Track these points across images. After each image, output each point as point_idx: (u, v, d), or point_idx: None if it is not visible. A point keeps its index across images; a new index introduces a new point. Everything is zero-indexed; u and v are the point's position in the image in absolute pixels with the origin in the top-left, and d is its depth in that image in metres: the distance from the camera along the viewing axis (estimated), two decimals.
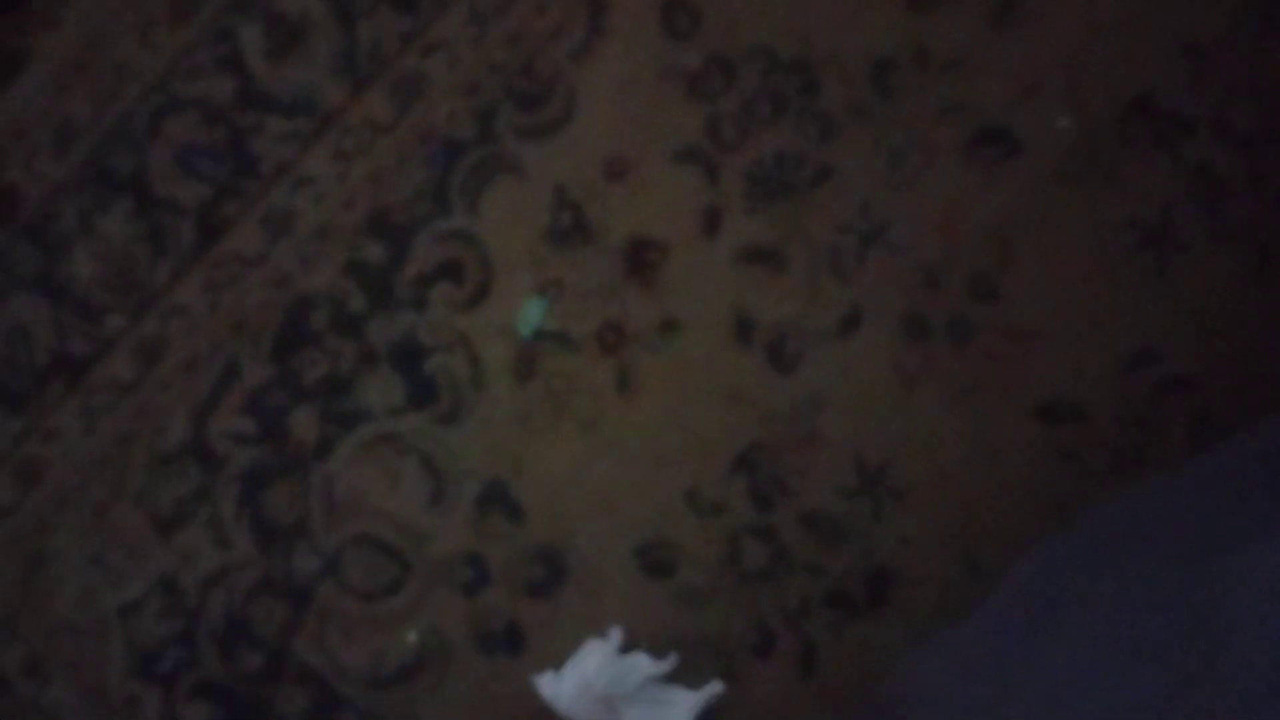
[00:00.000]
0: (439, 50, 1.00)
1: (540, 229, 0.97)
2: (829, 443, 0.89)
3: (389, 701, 0.96)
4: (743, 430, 0.91)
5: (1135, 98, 0.85)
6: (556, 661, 0.91)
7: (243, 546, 0.99)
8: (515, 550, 0.95)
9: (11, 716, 1.03)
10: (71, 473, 1.03)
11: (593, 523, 0.94)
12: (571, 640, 0.91)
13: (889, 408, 0.88)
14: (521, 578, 0.94)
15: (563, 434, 0.95)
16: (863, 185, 0.89)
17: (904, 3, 0.89)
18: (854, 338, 0.89)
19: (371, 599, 0.97)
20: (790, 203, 0.91)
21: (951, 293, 0.87)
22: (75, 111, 1.06)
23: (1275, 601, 0.42)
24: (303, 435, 0.98)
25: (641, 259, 0.94)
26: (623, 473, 0.93)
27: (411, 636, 0.96)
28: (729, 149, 0.93)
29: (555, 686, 0.88)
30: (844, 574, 0.88)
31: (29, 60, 1.10)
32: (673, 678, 0.90)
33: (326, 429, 0.98)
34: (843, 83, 0.90)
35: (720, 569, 0.90)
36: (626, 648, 0.90)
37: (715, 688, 0.88)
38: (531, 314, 0.97)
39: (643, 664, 0.88)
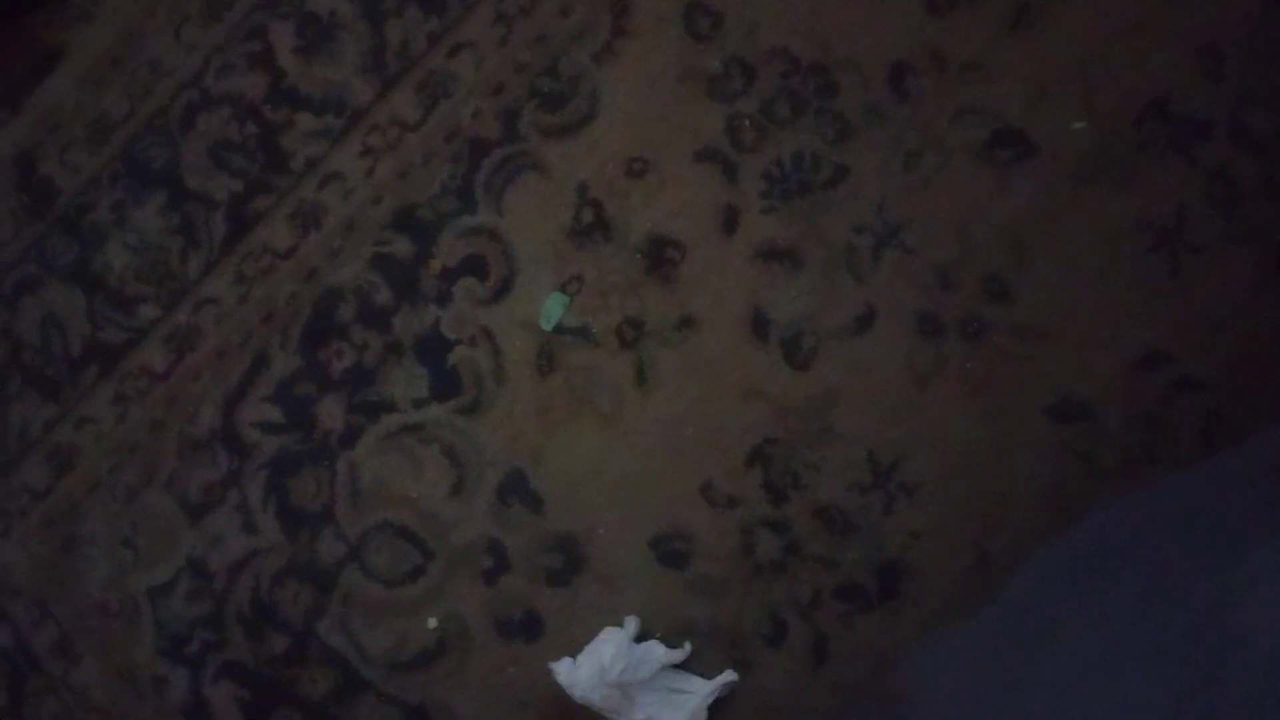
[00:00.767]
0: (465, 50, 1.02)
1: (562, 226, 0.98)
2: (842, 438, 0.90)
3: (410, 685, 0.98)
4: (758, 425, 0.92)
5: (1151, 101, 0.85)
6: (573, 649, 0.92)
7: (269, 532, 1.01)
8: (534, 539, 0.97)
9: (42, 695, 1.06)
10: (103, 458, 1.06)
11: (610, 513, 0.95)
12: (588, 628, 0.93)
13: (902, 405, 0.89)
14: (540, 566, 0.96)
15: (582, 426, 0.97)
16: (879, 186, 0.90)
17: (922, 6, 0.91)
18: (868, 336, 0.90)
19: (394, 585, 0.99)
20: (807, 203, 0.92)
21: (965, 292, 0.88)
22: (110, 106, 1.09)
23: None
24: (329, 424, 1.01)
25: (661, 256, 0.96)
26: (640, 465, 0.95)
27: (432, 622, 0.98)
28: (747, 149, 0.94)
29: (572, 673, 0.90)
30: (855, 567, 0.89)
31: (64, 55, 1.13)
32: (686, 666, 0.91)
33: (352, 419, 1.00)
34: (860, 85, 0.91)
35: (734, 560, 0.92)
36: (642, 636, 0.92)
37: (728, 676, 0.90)
38: (553, 309, 0.98)
39: (657, 652, 0.90)
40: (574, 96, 0.99)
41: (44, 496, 1.08)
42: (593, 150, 0.98)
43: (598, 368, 0.97)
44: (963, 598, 0.86)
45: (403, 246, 1.01)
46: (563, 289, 0.98)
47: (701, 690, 0.89)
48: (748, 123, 0.94)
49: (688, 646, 0.91)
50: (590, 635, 0.92)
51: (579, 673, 0.90)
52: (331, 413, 1.01)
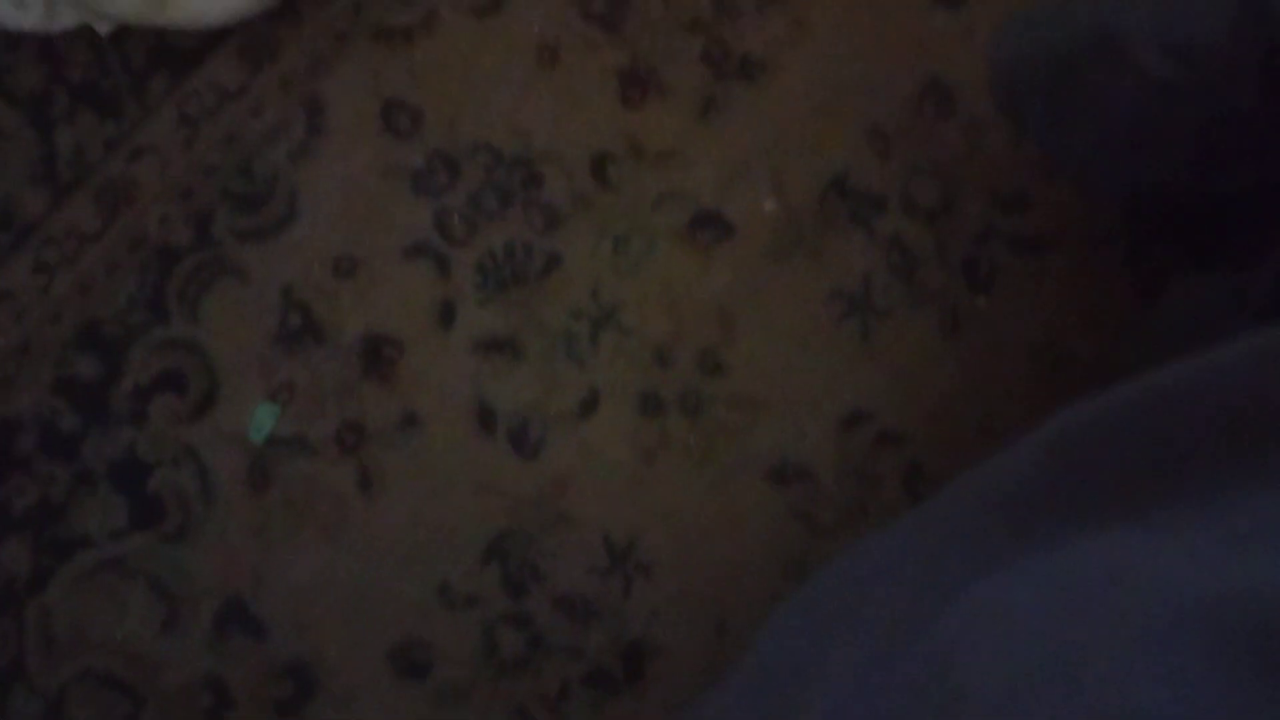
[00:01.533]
0: (148, 154, 0.96)
1: (268, 332, 0.94)
2: (577, 523, 0.90)
3: None
4: (491, 519, 0.90)
5: (831, 179, 0.92)
6: None
7: None
8: (260, 669, 0.90)
9: None
10: None
11: (342, 630, 0.90)
12: None
13: (632, 484, 0.90)
14: (268, 698, 0.89)
15: (304, 541, 0.92)
16: (591, 271, 0.92)
17: (616, 100, 0.94)
18: (593, 419, 0.91)
19: None
20: (522, 291, 0.93)
21: (682, 369, 0.91)
22: None
23: (1001, 647, 0.41)
24: (13, 569, 0.90)
25: (377, 356, 0.93)
26: (370, 575, 0.91)
27: None
28: (458, 242, 0.94)
29: None
30: (600, 652, 0.89)
31: None
32: None
33: (41, 560, 0.90)
34: (564, 175, 0.94)
35: (477, 662, 0.89)
36: None
37: None
38: (263, 420, 0.93)
39: None
40: (271, 197, 0.96)
41: None
42: (296, 251, 0.95)
43: (317, 477, 0.92)
44: (707, 669, 0.87)
45: (89, 366, 0.93)
46: (273, 398, 0.93)
47: None
48: (456, 216, 0.94)
49: None
50: None
51: None
52: (15, 556, 0.91)
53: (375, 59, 0.96)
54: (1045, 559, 0.44)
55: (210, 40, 0.97)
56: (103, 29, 0.95)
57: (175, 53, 0.97)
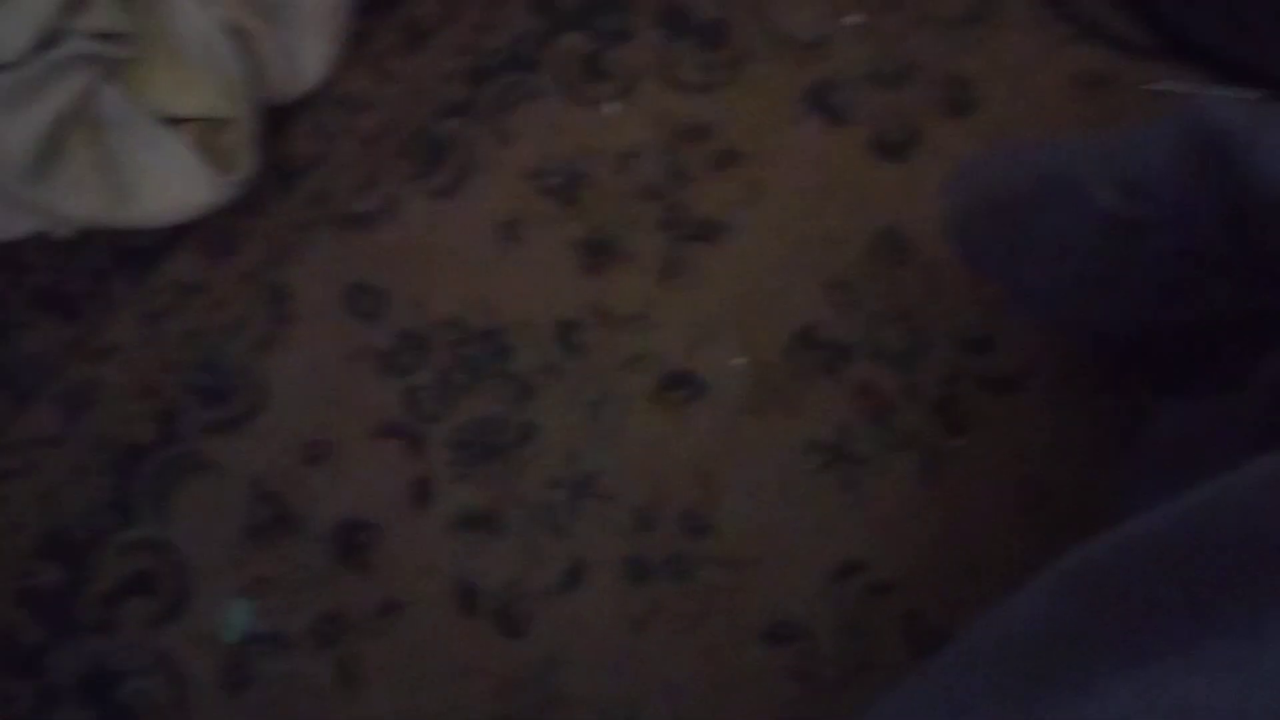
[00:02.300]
0: (110, 355, 0.95)
1: (239, 526, 0.92)
2: (571, 703, 0.86)
3: None
4: (480, 704, 0.87)
5: (797, 332, 0.93)
6: None
7: None
8: None
9: None
10: None
11: None
12: None
13: (624, 656, 0.87)
14: None
15: None
16: (566, 439, 0.91)
17: (577, 268, 0.95)
18: (579, 590, 0.89)
19: None
20: (498, 465, 0.91)
21: (665, 532, 0.89)
22: None
23: None
24: None
25: (352, 542, 0.91)
26: None
27: None
28: (430, 420, 0.93)
29: None
30: None
31: None
32: None
33: None
34: (533, 346, 0.94)
35: None
36: None
37: None
38: (237, 618, 0.90)
39: None
40: (237, 389, 0.95)
41: None
42: (264, 441, 0.94)
43: (297, 674, 0.89)
44: None
45: (53, 575, 0.90)
46: (246, 594, 0.90)
47: None
48: (426, 394, 0.93)
49: None
50: None
51: None
52: None
53: (338, 245, 0.97)
54: (1080, 707, 0.42)
55: (170, 237, 0.97)
56: (61, 233, 0.95)
57: (135, 251, 0.97)
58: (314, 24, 0.98)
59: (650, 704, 0.86)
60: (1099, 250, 0.63)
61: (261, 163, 0.96)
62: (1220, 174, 0.55)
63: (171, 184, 0.95)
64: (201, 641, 0.90)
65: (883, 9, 1.00)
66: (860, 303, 0.93)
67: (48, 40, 0.91)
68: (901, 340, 0.92)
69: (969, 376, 0.92)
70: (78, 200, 0.93)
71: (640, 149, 0.97)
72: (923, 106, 0.98)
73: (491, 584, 0.89)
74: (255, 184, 0.96)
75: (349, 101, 1.00)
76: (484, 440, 0.92)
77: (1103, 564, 0.47)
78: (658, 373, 0.93)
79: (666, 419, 0.92)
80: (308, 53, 0.98)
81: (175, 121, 0.95)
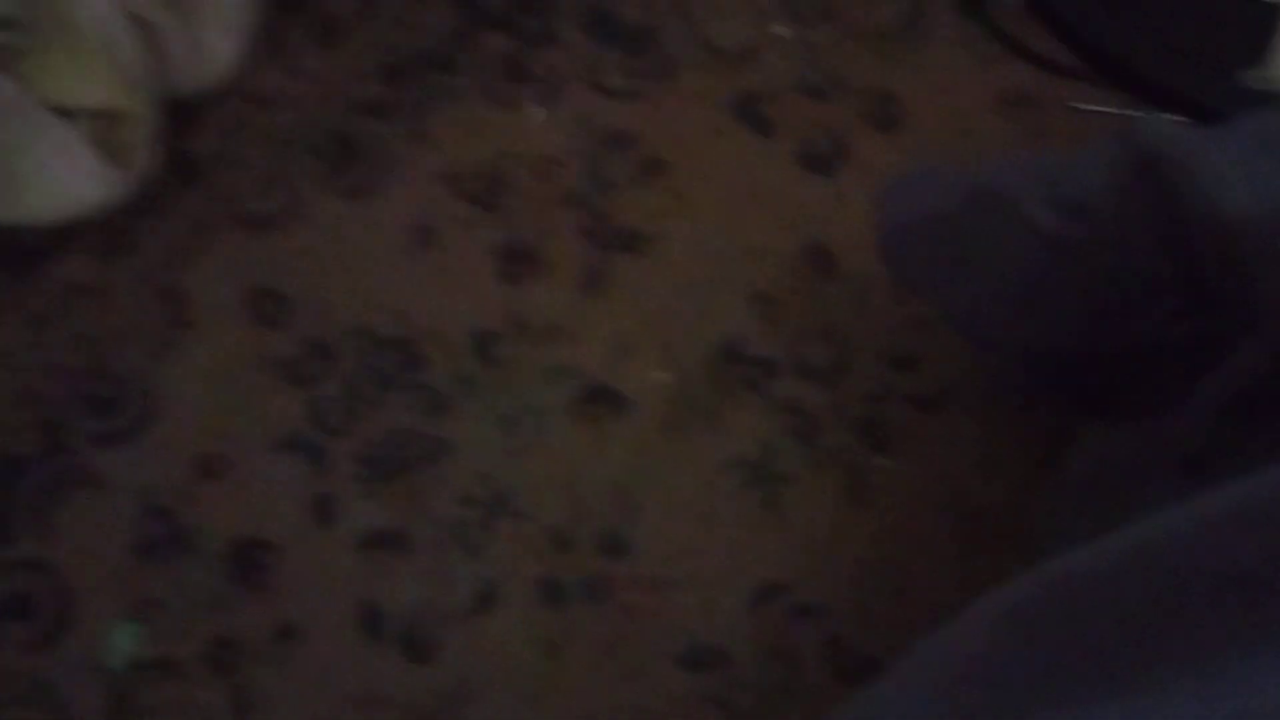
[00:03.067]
0: None
1: (126, 544, 0.86)
2: None
3: None
4: None
5: (721, 347, 0.90)
6: None
7: None
8: None
9: None
10: None
11: None
12: None
13: (538, 682, 0.83)
14: None
15: None
16: (480, 456, 0.88)
17: (495, 276, 0.92)
18: (491, 613, 0.85)
19: None
20: (407, 481, 0.87)
21: (582, 552, 0.86)
22: None
23: None
24: None
25: (249, 561, 0.86)
26: None
27: None
28: (335, 433, 0.88)
29: None
30: None
31: None
32: None
33: None
34: (446, 356, 0.90)
35: None
36: None
37: None
38: (122, 643, 0.85)
39: None
40: (129, 398, 0.89)
41: None
42: (156, 454, 0.88)
43: (187, 703, 0.84)
44: None
45: None
46: (133, 618, 0.85)
47: None
48: (331, 405, 0.89)
49: None
50: None
51: None
52: None
53: (241, 248, 0.93)
54: None
55: (60, 235, 0.92)
56: None
57: (22, 250, 0.92)
58: (222, 16, 0.94)
59: None
60: (1033, 270, 0.61)
61: (162, 159, 0.91)
62: (1158, 195, 0.54)
63: (64, 179, 0.89)
64: (85, 669, 0.84)
65: (811, 20, 0.99)
66: (785, 318, 0.91)
67: None
68: (827, 357, 0.91)
69: (895, 395, 0.90)
70: None
71: (563, 155, 0.94)
72: (849, 120, 0.97)
73: (398, 607, 0.85)
74: (154, 182, 0.91)
75: (258, 98, 0.96)
76: (392, 455, 0.88)
77: (1042, 601, 0.45)
78: (577, 387, 0.89)
79: (585, 435, 0.89)
80: (215, 46, 0.93)
81: (70, 113, 0.90)
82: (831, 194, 0.94)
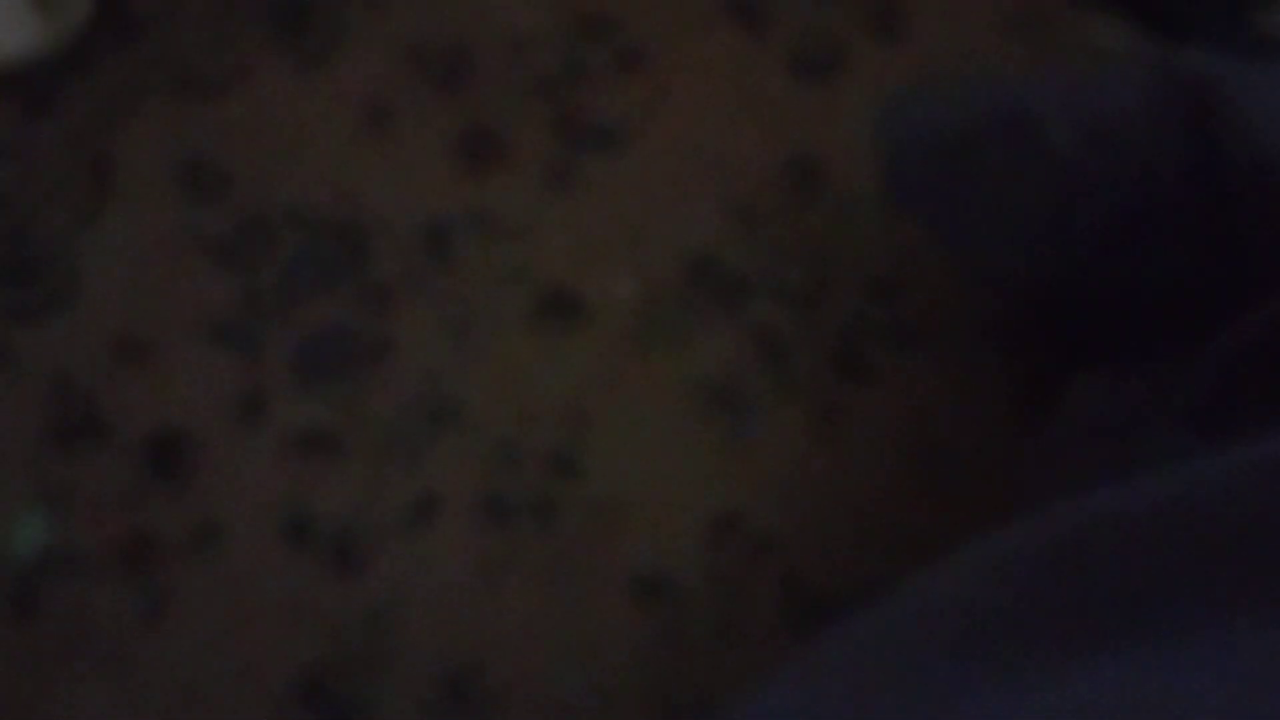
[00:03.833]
0: None
1: (38, 427, 0.81)
2: (410, 653, 0.78)
3: None
4: (306, 648, 0.78)
5: (695, 260, 0.85)
6: None
7: None
8: None
9: None
10: None
11: None
12: None
13: (475, 604, 0.79)
14: None
15: (77, 678, 0.78)
16: (427, 359, 0.83)
17: (456, 167, 0.86)
18: (430, 527, 0.80)
19: None
20: (347, 381, 0.82)
21: (531, 470, 0.82)
22: None
23: None
24: None
25: (170, 455, 0.81)
26: (160, 717, 0.77)
27: None
28: (270, 323, 0.83)
29: None
30: None
31: None
32: None
33: None
34: (397, 249, 0.84)
35: None
36: None
37: None
38: (29, 532, 0.80)
39: None
40: (47, 270, 0.84)
41: None
42: (74, 333, 0.83)
43: (95, 600, 0.79)
44: None
45: None
46: (43, 505, 0.80)
47: None
48: (269, 293, 0.83)
49: None
50: None
51: None
52: None
53: (177, 114, 0.86)
54: (1010, 696, 0.37)
55: None
56: None
57: None
58: None
59: (499, 659, 0.79)
60: (1047, 197, 0.57)
61: (94, 12, 0.84)
62: (1195, 129, 0.50)
63: None
64: None
65: None
66: (764, 234, 0.86)
67: None
68: (804, 279, 0.86)
69: (871, 325, 0.86)
70: None
71: (536, 36, 0.88)
72: (849, 25, 0.91)
73: (328, 515, 0.80)
74: (85, 36, 0.85)
75: None
76: (331, 352, 0.83)
77: (1046, 548, 0.43)
78: (536, 293, 0.84)
79: (541, 345, 0.84)
80: None
81: None
82: (824, 104, 0.89)
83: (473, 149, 0.86)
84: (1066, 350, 0.71)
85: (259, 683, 0.78)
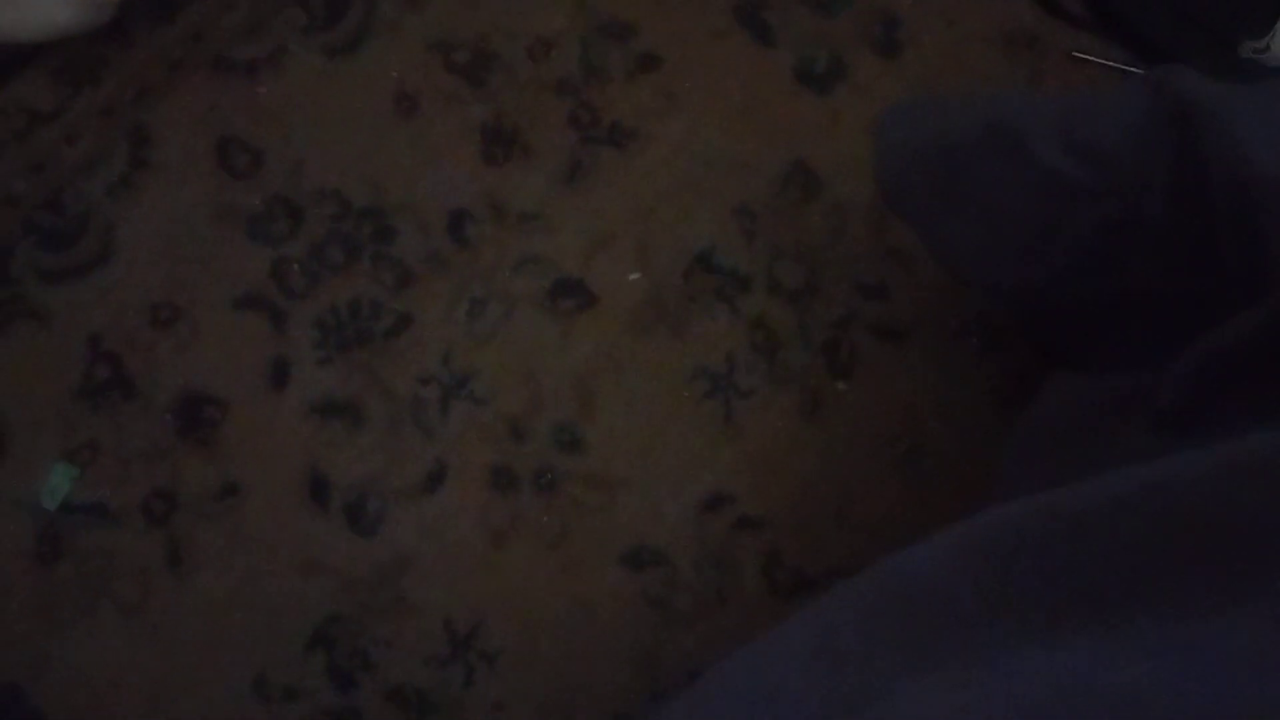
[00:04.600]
0: None
1: (70, 385, 0.84)
2: (416, 608, 0.82)
3: None
4: (319, 602, 0.82)
5: (697, 255, 0.89)
6: None
7: None
8: None
9: None
10: None
11: None
12: None
13: (479, 565, 0.83)
14: None
15: (100, 623, 0.81)
16: (444, 335, 0.86)
17: (477, 155, 0.89)
18: (439, 494, 0.84)
19: None
20: (366, 353, 0.86)
21: (537, 443, 0.85)
22: None
23: None
24: None
25: (197, 417, 0.84)
26: (175, 662, 0.81)
27: None
28: (297, 295, 0.86)
29: None
30: None
31: None
32: None
33: None
34: (419, 231, 0.88)
35: None
36: None
37: None
38: (58, 483, 0.83)
39: None
40: (83, 234, 0.86)
41: None
42: (108, 296, 0.86)
43: (119, 551, 0.82)
44: None
45: None
46: (71, 459, 0.83)
47: None
48: (296, 267, 0.86)
49: None
50: None
51: None
52: None
53: (213, 92, 0.89)
54: (986, 668, 0.40)
55: (24, 56, 0.87)
56: None
57: None
58: None
59: (498, 617, 0.83)
60: (1034, 211, 0.61)
61: None
62: (1184, 146, 0.53)
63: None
64: (15, 505, 0.82)
65: None
66: (763, 233, 0.90)
67: None
68: (799, 277, 0.90)
69: (860, 322, 0.90)
70: None
71: (559, 38, 0.91)
72: (852, 40, 0.94)
73: (345, 478, 0.84)
74: (130, 12, 0.87)
75: None
76: (354, 325, 0.86)
77: (1014, 536, 0.45)
78: (548, 278, 0.88)
79: (552, 327, 0.87)
80: None
81: None
82: (825, 114, 0.93)
83: (495, 142, 0.89)
84: (1044, 352, 0.74)
85: (274, 632, 0.81)
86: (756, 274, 0.90)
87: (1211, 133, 0.50)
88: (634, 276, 0.89)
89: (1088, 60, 0.95)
